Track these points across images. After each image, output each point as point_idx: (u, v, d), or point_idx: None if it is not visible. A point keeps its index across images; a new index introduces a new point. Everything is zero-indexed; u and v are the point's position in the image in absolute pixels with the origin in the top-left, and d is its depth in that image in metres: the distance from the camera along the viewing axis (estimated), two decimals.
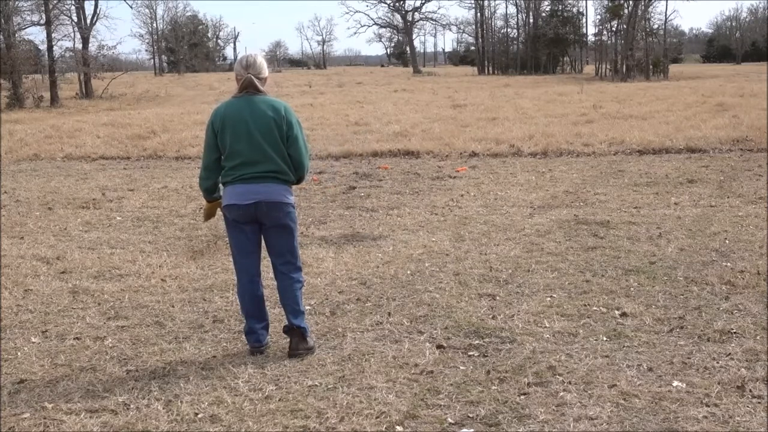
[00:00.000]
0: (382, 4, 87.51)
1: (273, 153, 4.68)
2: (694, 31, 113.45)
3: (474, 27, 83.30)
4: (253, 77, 4.72)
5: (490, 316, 5.42)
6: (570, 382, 4.29)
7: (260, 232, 4.84)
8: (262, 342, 4.88)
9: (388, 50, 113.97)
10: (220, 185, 4.88)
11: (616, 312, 5.43)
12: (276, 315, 5.43)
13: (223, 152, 4.74)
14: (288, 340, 4.90)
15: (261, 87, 4.76)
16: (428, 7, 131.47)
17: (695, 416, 3.86)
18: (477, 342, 4.94)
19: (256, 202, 4.68)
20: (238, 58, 4.96)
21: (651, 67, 54.29)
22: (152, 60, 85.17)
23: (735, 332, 4.96)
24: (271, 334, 5.04)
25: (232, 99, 4.80)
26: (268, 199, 4.69)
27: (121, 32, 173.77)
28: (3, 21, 34.72)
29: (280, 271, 4.87)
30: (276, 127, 4.68)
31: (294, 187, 4.90)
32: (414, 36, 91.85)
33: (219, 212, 5.07)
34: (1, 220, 9.46)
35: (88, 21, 44.75)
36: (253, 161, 4.67)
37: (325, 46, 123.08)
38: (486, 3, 76.57)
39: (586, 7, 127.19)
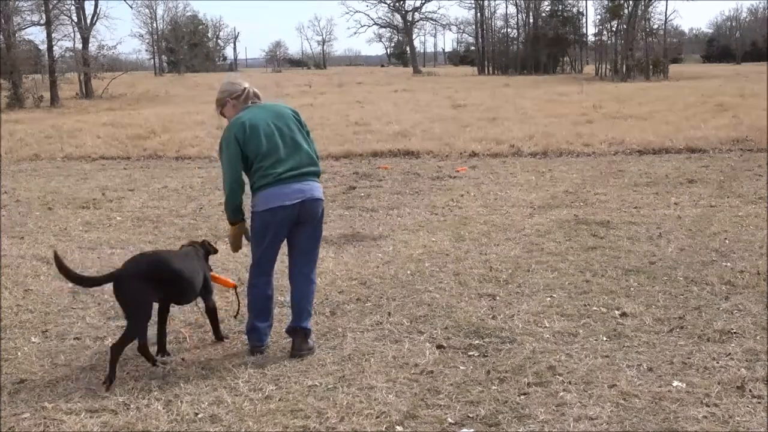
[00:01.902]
0: (382, 4, 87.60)
1: (305, 144, 4.76)
2: (694, 31, 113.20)
3: (474, 27, 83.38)
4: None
5: (490, 316, 5.42)
6: (570, 382, 4.29)
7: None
8: (264, 341, 4.88)
9: (388, 50, 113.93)
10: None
11: (616, 312, 5.43)
12: (276, 315, 5.43)
13: (254, 157, 4.64)
14: (289, 340, 4.90)
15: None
16: (428, 7, 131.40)
17: (695, 416, 3.86)
18: (477, 342, 4.94)
19: (302, 200, 4.68)
20: (224, 81, 5.03)
21: (651, 67, 54.26)
22: (152, 60, 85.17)
23: (735, 332, 4.96)
24: (271, 334, 5.04)
25: (243, 110, 4.78)
26: (312, 197, 4.72)
27: (121, 32, 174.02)
28: (3, 21, 34.73)
29: (301, 271, 4.88)
30: (298, 121, 4.81)
31: None
32: (414, 36, 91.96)
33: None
34: (1, 220, 9.46)
35: (88, 21, 44.81)
36: (288, 157, 4.65)
37: (325, 46, 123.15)
38: (486, 3, 76.65)
39: (586, 7, 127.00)
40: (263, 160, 4.64)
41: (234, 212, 4.84)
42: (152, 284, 4.58)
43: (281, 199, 4.62)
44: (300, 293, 4.88)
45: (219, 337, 5.11)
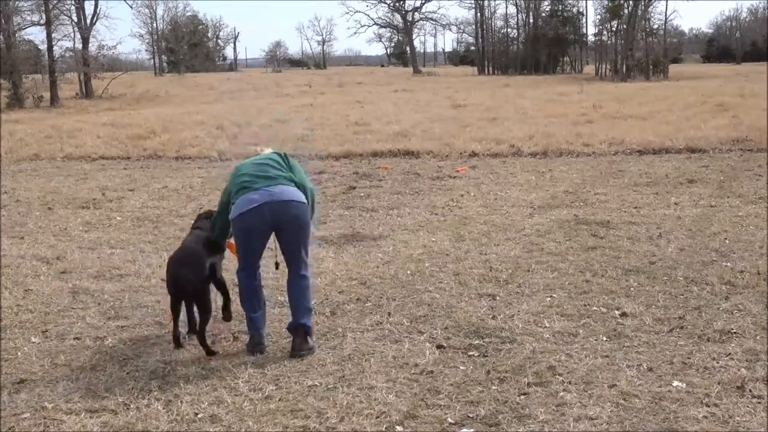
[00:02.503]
0: (382, 4, 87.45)
1: (276, 167, 4.98)
2: (694, 31, 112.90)
3: (474, 27, 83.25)
4: None
5: (490, 316, 5.42)
6: (570, 382, 4.29)
7: (269, 237, 4.96)
8: (261, 329, 4.92)
9: (388, 50, 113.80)
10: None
11: (616, 312, 5.43)
12: (276, 315, 5.44)
13: (233, 187, 4.96)
14: (289, 340, 4.91)
15: None
16: (428, 7, 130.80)
17: (695, 416, 3.87)
18: (477, 342, 4.94)
19: (265, 201, 4.80)
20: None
21: (651, 67, 54.23)
22: (152, 60, 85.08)
23: (735, 332, 4.96)
24: (271, 333, 5.05)
25: None
26: (279, 199, 4.83)
27: (121, 32, 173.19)
28: (3, 21, 34.73)
29: (291, 271, 4.97)
30: (280, 157, 5.09)
31: None
32: (414, 36, 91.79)
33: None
34: (1, 220, 9.46)
35: (88, 21, 44.81)
36: (257, 173, 4.93)
37: (325, 46, 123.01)
38: (486, 3, 76.47)
39: (586, 7, 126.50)
40: (237, 179, 4.97)
41: (225, 232, 5.19)
42: None
43: (247, 205, 4.83)
44: (294, 290, 4.97)
45: (227, 315, 5.28)
